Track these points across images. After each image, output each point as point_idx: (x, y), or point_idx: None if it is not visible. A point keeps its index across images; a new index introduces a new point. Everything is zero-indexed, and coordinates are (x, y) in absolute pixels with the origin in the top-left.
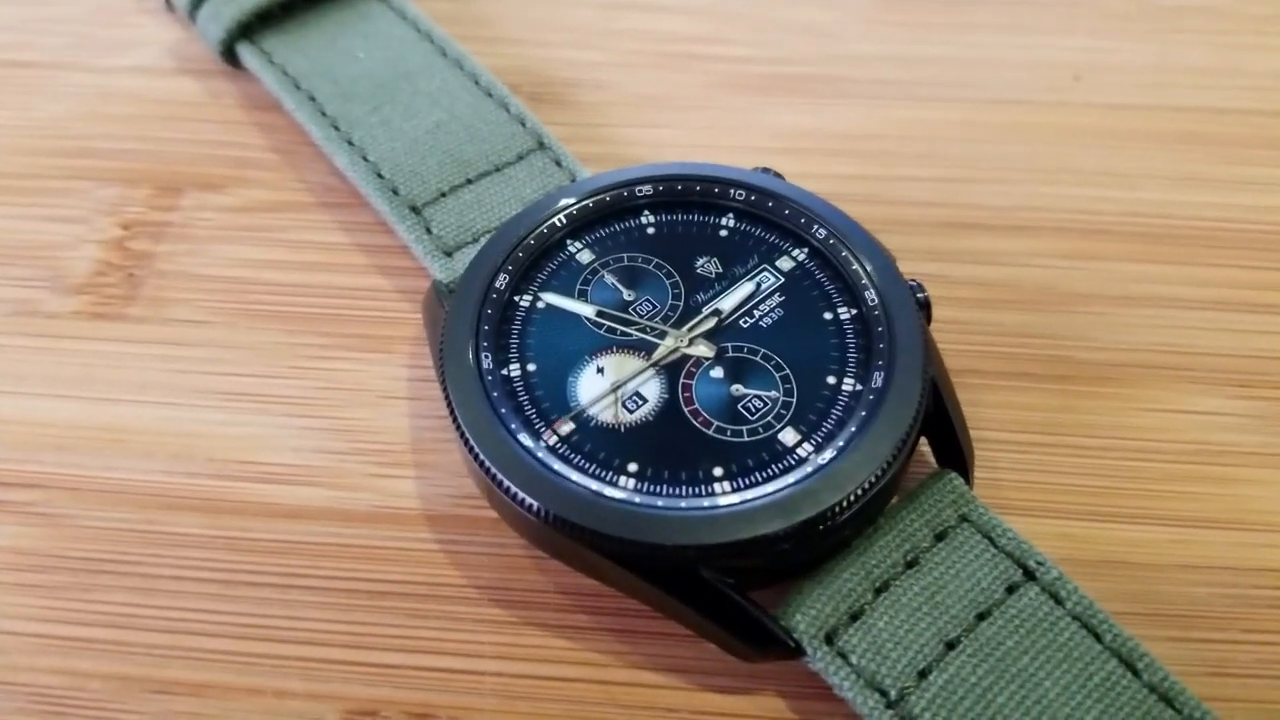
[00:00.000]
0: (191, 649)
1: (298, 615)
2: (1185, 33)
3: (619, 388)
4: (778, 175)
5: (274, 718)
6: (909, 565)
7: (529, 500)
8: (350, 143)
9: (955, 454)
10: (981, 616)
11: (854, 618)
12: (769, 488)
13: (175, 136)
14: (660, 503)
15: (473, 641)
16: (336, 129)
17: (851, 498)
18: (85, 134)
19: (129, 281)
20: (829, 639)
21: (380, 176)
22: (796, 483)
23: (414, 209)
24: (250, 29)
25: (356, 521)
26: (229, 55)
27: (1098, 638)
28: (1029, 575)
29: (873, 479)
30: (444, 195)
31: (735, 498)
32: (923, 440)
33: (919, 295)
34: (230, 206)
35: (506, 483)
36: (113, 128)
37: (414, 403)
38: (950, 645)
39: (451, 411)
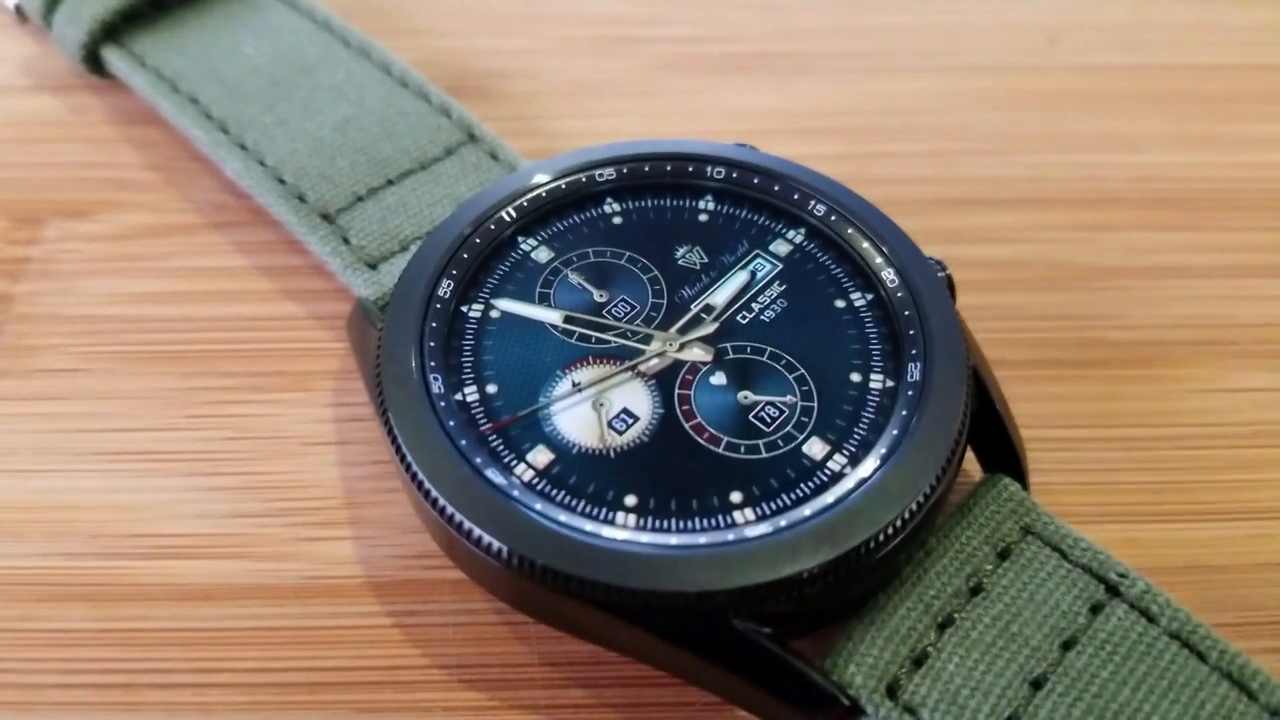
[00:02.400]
0: None
1: None
2: None
3: (601, 404)
4: (754, 149)
5: None
6: (973, 592)
7: (505, 549)
8: (243, 146)
9: (1007, 454)
10: (1067, 646)
11: (918, 663)
12: (803, 511)
13: (32, 161)
14: (674, 540)
15: None
16: (226, 132)
17: (906, 515)
18: None
19: None
20: (892, 692)
21: (282, 182)
22: (836, 502)
23: (325, 217)
24: (116, 30)
25: (285, 598)
26: (93, 63)
27: (1202, 657)
28: (1112, 591)
29: (928, 490)
30: (360, 199)
31: (764, 526)
32: None
33: (941, 274)
34: (101, 235)
35: (475, 530)
36: None
37: (344, 448)
38: (1036, 684)
39: (398, 450)
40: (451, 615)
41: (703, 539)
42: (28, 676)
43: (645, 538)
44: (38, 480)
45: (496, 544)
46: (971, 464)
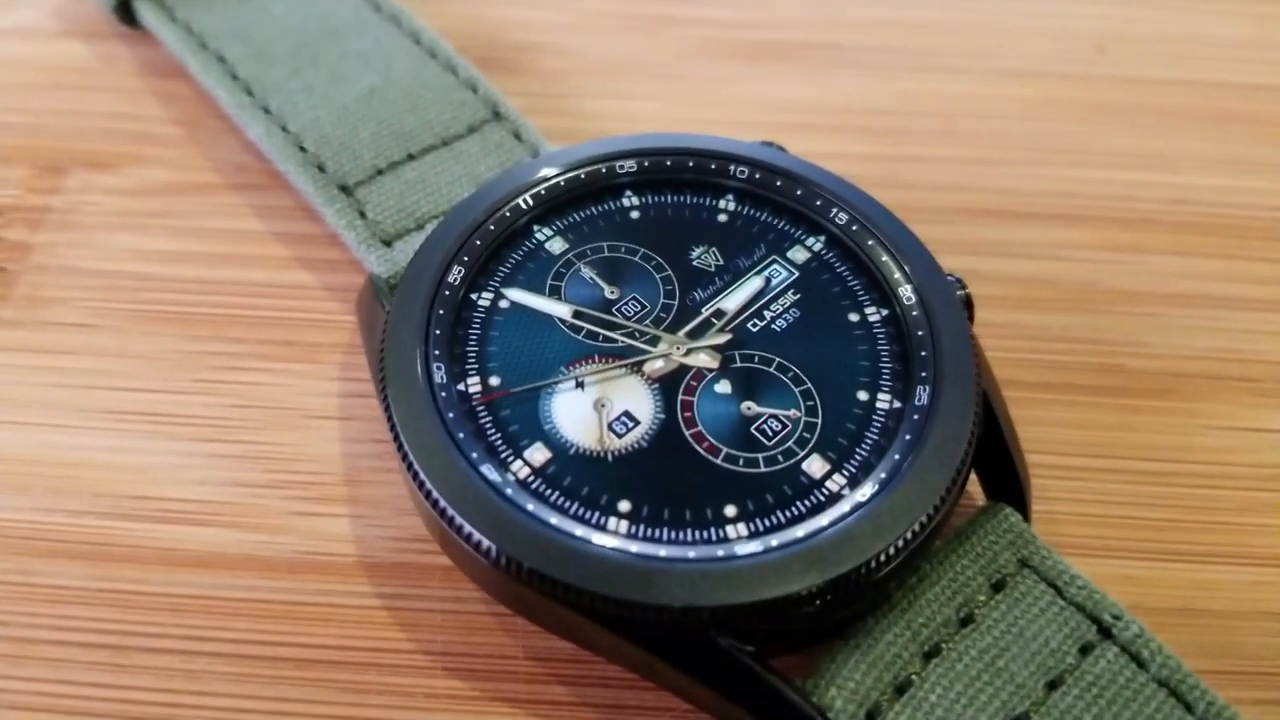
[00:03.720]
0: None
1: (206, 689)
2: (1213, 2)
3: (603, 405)
4: (781, 149)
5: None
6: (963, 623)
7: (494, 549)
8: (266, 110)
9: (1011, 484)
10: (1053, 685)
11: (900, 690)
12: (796, 531)
13: (59, 108)
14: (663, 552)
15: None
16: (250, 94)
17: (900, 543)
18: None
19: (1, 277)
20: (871, 718)
21: (302, 150)
22: (831, 525)
23: (344, 189)
24: None
25: (278, 572)
26: (124, 13)
27: (1189, 708)
28: (1105, 632)
29: (924, 519)
30: (380, 173)
31: (756, 545)
32: None
33: (959, 292)
34: (123, 189)
35: (466, 527)
36: None
37: (347, 424)
38: None
39: (396, 436)
40: (440, 602)
41: (692, 553)
42: (22, 630)
43: (635, 547)
44: (44, 434)
45: (486, 542)
46: (976, 486)
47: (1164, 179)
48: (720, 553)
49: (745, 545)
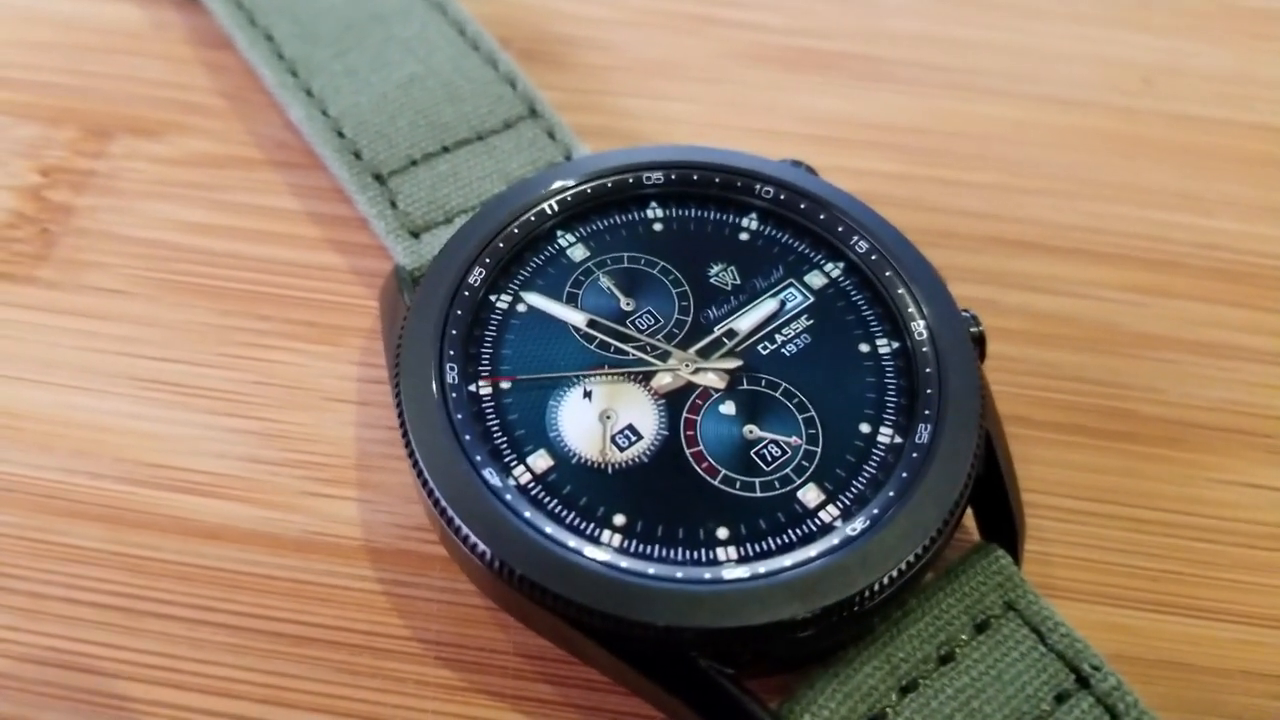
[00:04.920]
0: (80, 689)
1: (208, 658)
2: (1270, 40)
3: (608, 417)
4: (810, 170)
5: None
6: (943, 660)
7: (488, 552)
8: (309, 93)
9: (1005, 527)
10: None
11: None
12: (784, 560)
13: (109, 72)
14: (651, 570)
15: (412, 709)
16: (294, 75)
17: (886, 580)
18: (4, 61)
19: (42, 238)
20: None
21: (341, 136)
22: (819, 557)
23: (378, 177)
24: None
25: (285, 549)
26: None
27: None
28: (1083, 682)
29: (913, 558)
30: (415, 164)
31: (743, 570)
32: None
33: (973, 329)
34: (166, 158)
35: (464, 529)
36: (38, 56)
37: (363, 409)
38: None
39: (404, 431)
40: (438, 592)
41: (679, 573)
42: (38, 586)
43: (624, 562)
44: (72, 396)
45: (481, 545)
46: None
47: (1197, 221)
48: (707, 575)
49: (733, 570)
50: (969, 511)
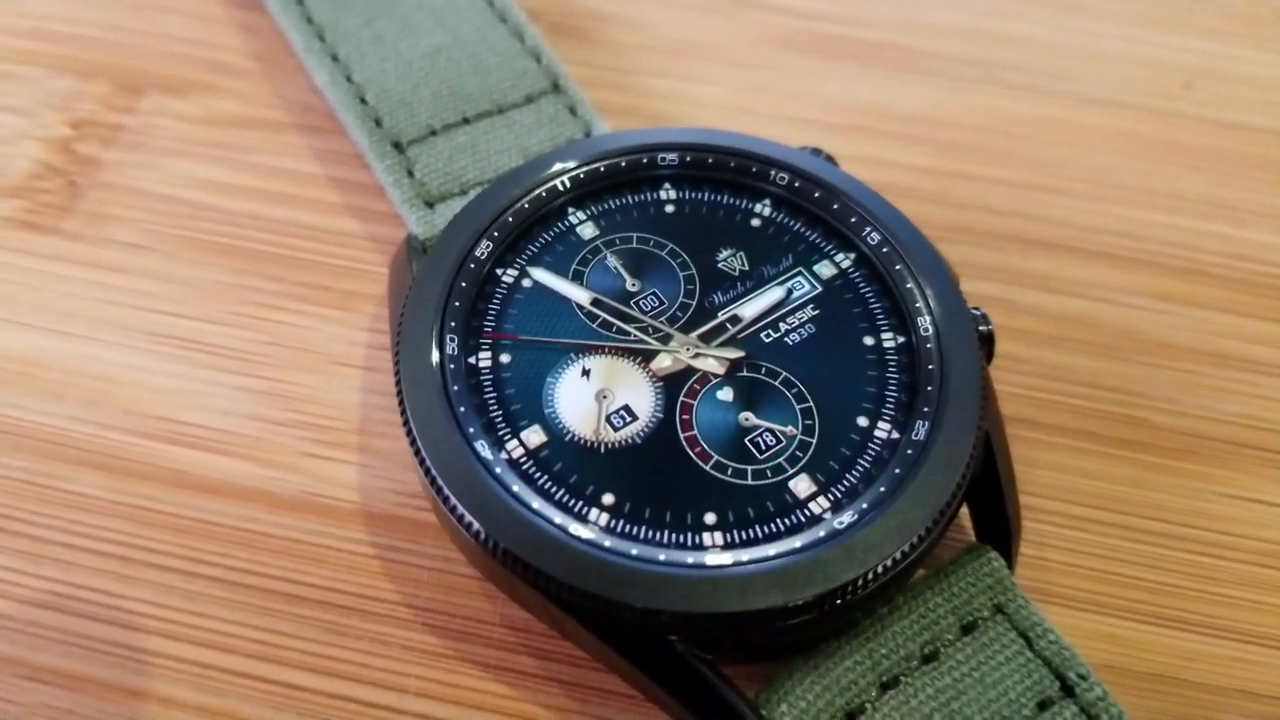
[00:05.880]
0: (75, 633)
1: (201, 610)
2: None
3: (605, 396)
4: (830, 159)
5: None
6: (926, 659)
7: (474, 524)
8: (334, 58)
9: (1000, 529)
10: None
11: (851, 716)
12: (769, 549)
13: (144, 28)
14: (635, 550)
15: (396, 672)
16: (321, 39)
17: (871, 575)
18: (43, 13)
19: (69, 190)
20: None
21: (363, 102)
22: (805, 548)
23: (396, 145)
24: None
25: (282, 508)
26: None
27: None
28: (1068, 690)
29: (899, 555)
30: (434, 134)
31: (726, 557)
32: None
33: (982, 328)
34: (193, 116)
35: (452, 499)
36: (75, 9)
37: (369, 374)
38: None
39: (401, 398)
40: (429, 559)
41: (662, 555)
42: (40, 530)
43: (609, 541)
44: (86, 347)
45: (467, 516)
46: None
47: (1228, 231)
48: (690, 560)
49: (717, 556)
50: (967, 511)
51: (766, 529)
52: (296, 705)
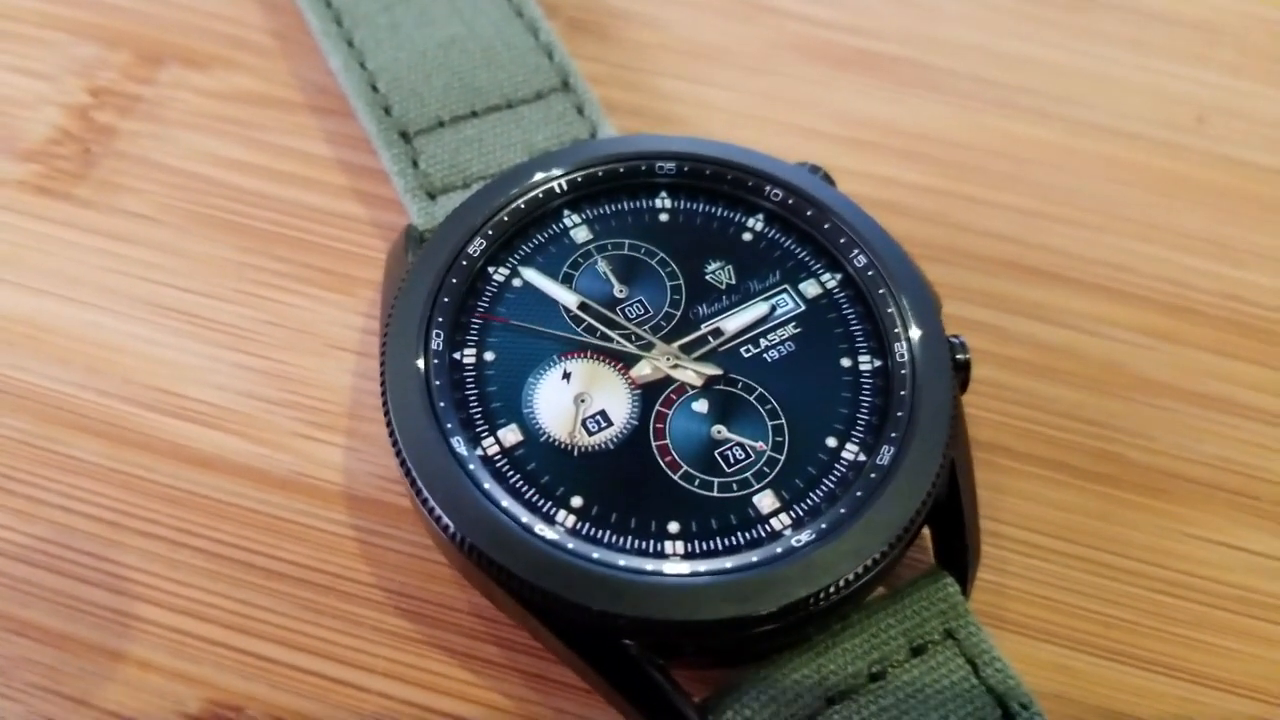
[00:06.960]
0: (61, 592)
1: (182, 579)
2: None
3: (582, 400)
4: (827, 177)
5: (130, 691)
6: (873, 678)
7: (442, 517)
8: (350, 43)
9: (959, 556)
10: None
11: None
12: (727, 562)
13: None
14: (596, 554)
15: (365, 652)
16: (339, 24)
17: (824, 595)
18: None
19: (84, 157)
20: None
21: (374, 90)
22: (762, 563)
23: (404, 134)
24: None
25: (270, 485)
26: None
27: None
28: (1009, 719)
29: (855, 575)
30: (442, 125)
31: (685, 566)
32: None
33: (959, 356)
34: (210, 90)
35: (424, 490)
36: None
37: (363, 359)
38: None
39: (383, 388)
40: (406, 545)
41: (622, 560)
42: (36, 491)
43: (572, 544)
44: (93, 315)
45: (436, 509)
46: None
47: (1224, 271)
48: (649, 567)
49: (675, 565)
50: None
51: (727, 541)
52: (267, 676)
